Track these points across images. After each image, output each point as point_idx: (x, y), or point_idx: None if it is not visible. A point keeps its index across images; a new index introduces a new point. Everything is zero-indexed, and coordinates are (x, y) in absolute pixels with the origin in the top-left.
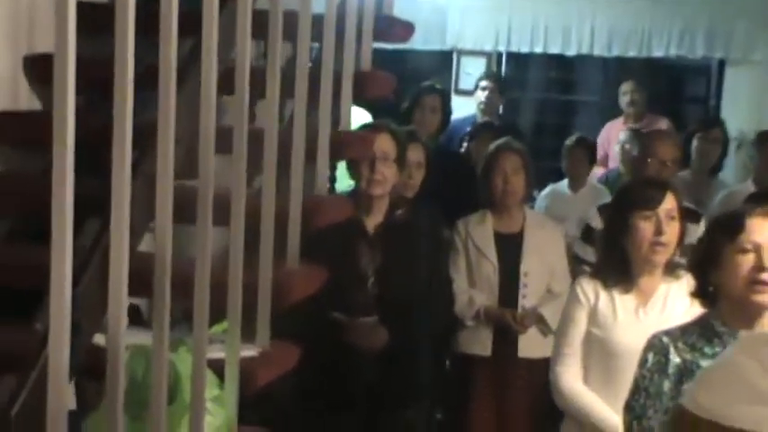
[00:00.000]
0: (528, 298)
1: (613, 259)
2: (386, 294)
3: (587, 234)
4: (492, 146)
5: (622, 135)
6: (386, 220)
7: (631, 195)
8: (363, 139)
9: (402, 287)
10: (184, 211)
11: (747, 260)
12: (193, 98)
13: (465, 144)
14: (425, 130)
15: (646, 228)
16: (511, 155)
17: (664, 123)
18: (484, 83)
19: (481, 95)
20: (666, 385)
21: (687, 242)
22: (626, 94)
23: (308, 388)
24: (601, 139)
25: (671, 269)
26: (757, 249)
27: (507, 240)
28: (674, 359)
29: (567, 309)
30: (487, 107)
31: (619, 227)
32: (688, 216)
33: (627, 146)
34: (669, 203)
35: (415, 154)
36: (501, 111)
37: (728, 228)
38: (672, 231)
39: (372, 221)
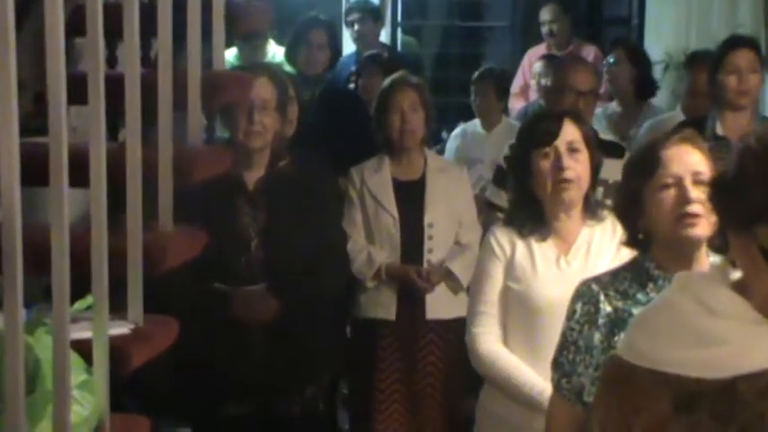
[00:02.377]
0: (434, 252)
1: (524, 204)
2: (272, 258)
3: (500, 177)
4: (386, 81)
5: (537, 65)
6: (267, 174)
7: (527, 132)
8: (241, 81)
9: (290, 249)
10: (35, 171)
11: (669, 196)
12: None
13: (353, 83)
14: (312, 70)
15: (545, 165)
16: (407, 90)
17: (591, 51)
18: (351, 16)
19: (352, 30)
20: (597, 337)
21: (612, 180)
22: (545, 23)
23: (189, 369)
24: (522, 68)
25: (591, 210)
26: (678, 182)
27: (408, 188)
28: (605, 308)
29: (480, 262)
30: (362, 40)
31: (521, 168)
32: (610, 150)
33: (541, 77)
34: (569, 134)
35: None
36: (397, 41)
37: (643, 165)
38: (576, 165)
39: (252, 176)
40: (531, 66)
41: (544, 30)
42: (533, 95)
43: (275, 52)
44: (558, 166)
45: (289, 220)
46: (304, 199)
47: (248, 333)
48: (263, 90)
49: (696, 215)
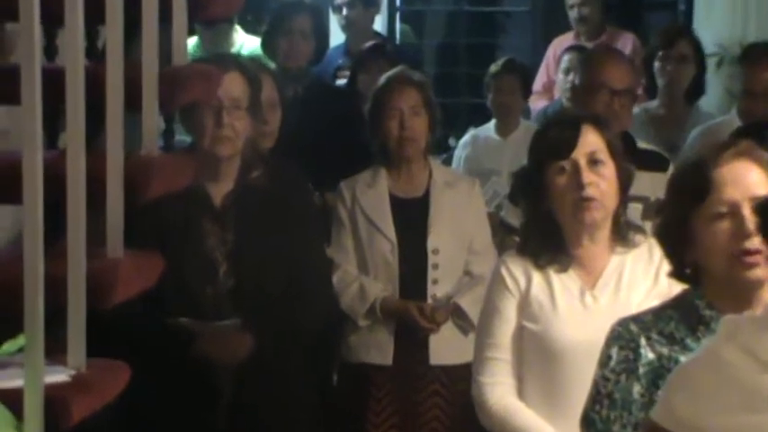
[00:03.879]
0: (439, 284)
1: (539, 228)
2: (244, 287)
3: (519, 193)
4: (381, 78)
5: (564, 58)
6: (237, 188)
7: (540, 141)
8: (206, 77)
9: (265, 276)
10: None
11: (724, 228)
12: None
13: (342, 78)
14: (294, 63)
15: (561, 182)
16: (407, 89)
17: (628, 41)
18: (339, 0)
19: (340, 15)
20: (637, 390)
21: (654, 198)
22: (573, 7)
23: (143, 422)
24: (546, 61)
25: (621, 234)
26: (734, 210)
27: (408, 207)
28: (647, 354)
29: (489, 297)
30: (352, 29)
31: (534, 185)
32: (651, 162)
33: (569, 71)
34: (589, 143)
35: (266, 89)
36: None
37: (691, 187)
38: (599, 181)
39: (220, 190)
40: (557, 59)
41: (572, 15)
42: (558, 94)
43: (243, 42)
44: (578, 183)
45: (262, 241)
46: (280, 216)
47: (214, 378)
48: (234, 87)
49: (756, 251)
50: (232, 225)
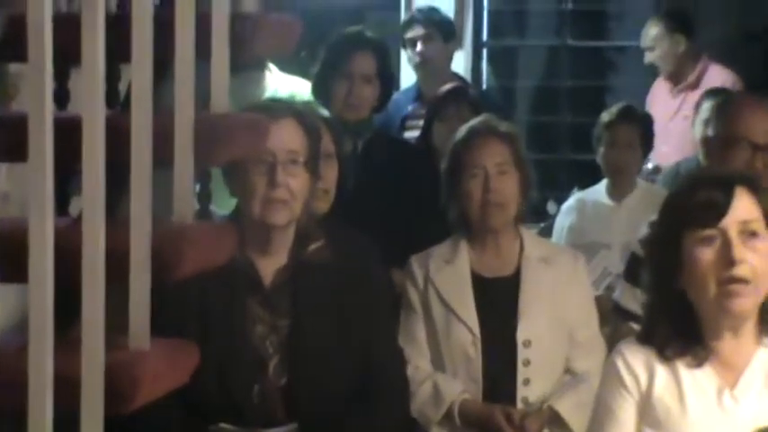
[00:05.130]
0: (532, 384)
1: (669, 312)
2: (299, 386)
3: (635, 270)
4: (460, 130)
5: (704, 107)
6: (292, 263)
7: (680, 206)
8: (253, 128)
9: (326, 373)
10: None
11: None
12: None
13: (412, 129)
14: (354, 112)
15: (706, 256)
16: (493, 143)
17: (727, 77)
18: (412, 31)
19: (412, 51)
20: None
21: None
22: (653, 41)
23: None
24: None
25: None
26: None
27: (494, 289)
28: None
29: (601, 397)
30: (426, 68)
31: (668, 259)
32: None
33: (708, 122)
34: (743, 210)
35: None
36: (482, 71)
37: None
38: (755, 258)
39: (270, 265)
40: (654, 104)
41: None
42: (665, 148)
43: (277, 86)
44: (727, 259)
45: (322, 329)
46: (345, 299)
47: None
48: (289, 138)
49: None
50: (285, 309)
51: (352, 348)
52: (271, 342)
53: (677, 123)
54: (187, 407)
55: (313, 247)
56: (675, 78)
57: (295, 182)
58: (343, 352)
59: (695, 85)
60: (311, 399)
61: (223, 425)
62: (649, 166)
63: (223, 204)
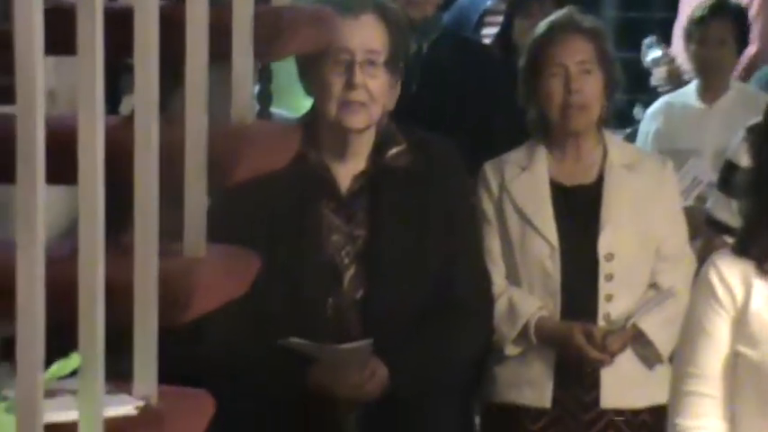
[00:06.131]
0: (615, 301)
1: None
2: (377, 299)
3: (729, 179)
4: (540, 26)
5: None
6: (371, 168)
7: None
8: (319, 21)
9: (405, 285)
10: None
11: None
12: None
13: (490, 26)
14: (418, 10)
15: None
16: (576, 39)
17: None
18: None
19: None
20: None
21: None
22: None
23: None
24: None
25: None
26: None
27: (575, 198)
28: None
29: (692, 313)
30: None
31: None
32: None
33: None
34: None
35: None
36: None
37: None
38: None
39: (347, 171)
40: None
41: None
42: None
43: None
44: None
45: (403, 239)
46: (428, 206)
47: (335, 417)
48: (369, 36)
49: None
50: (363, 217)
51: (434, 261)
52: (347, 252)
53: None
54: (255, 320)
55: (393, 151)
56: None
57: (374, 83)
58: (423, 265)
59: None
60: (388, 313)
61: (294, 339)
62: None
63: (296, 105)
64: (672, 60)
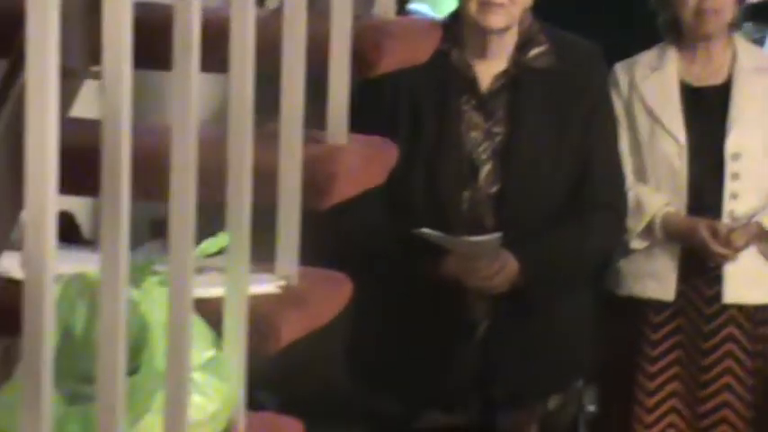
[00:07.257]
0: (740, 199)
1: None
2: (512, 194)
3: None
4: None
5: None
6: (512, 68)
7: None
8: None
9: (541, 182)
10: (150, 40)
11: None
12: None
13: None
14: None
15: None
16: None
17: None
18: None
19: None
20: None
21: None
22: None
23: (369, 358)
24: None
25: None
26: None
27: (704, 99)
28: None
29: None
30: None
31: None
32: None
33: None
34: None
35: None
36: None
37: None
38: None
39: (489, 70)
40: None
41: None
42: None
43: None
44: None
45: (543, 138)
46: (566, 107)
47: (465, 307)
48: None
49: None
50: (502, 115)
51: (570, 160)
52: (484, 149)
53: None
54: (393, 209)
55: (535, 51)
56: None
57: None
58: (559, 164)
59: None
60: (522, 209)
61: (426, 230)
62: None
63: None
64: None
